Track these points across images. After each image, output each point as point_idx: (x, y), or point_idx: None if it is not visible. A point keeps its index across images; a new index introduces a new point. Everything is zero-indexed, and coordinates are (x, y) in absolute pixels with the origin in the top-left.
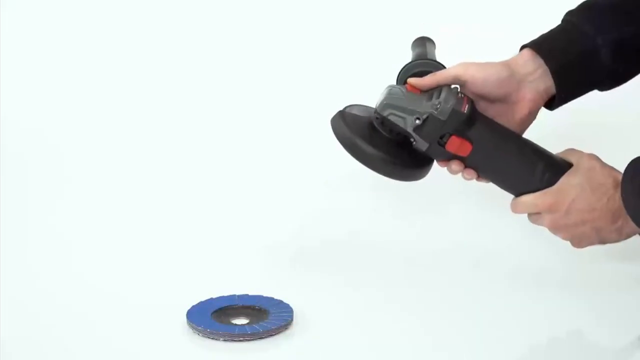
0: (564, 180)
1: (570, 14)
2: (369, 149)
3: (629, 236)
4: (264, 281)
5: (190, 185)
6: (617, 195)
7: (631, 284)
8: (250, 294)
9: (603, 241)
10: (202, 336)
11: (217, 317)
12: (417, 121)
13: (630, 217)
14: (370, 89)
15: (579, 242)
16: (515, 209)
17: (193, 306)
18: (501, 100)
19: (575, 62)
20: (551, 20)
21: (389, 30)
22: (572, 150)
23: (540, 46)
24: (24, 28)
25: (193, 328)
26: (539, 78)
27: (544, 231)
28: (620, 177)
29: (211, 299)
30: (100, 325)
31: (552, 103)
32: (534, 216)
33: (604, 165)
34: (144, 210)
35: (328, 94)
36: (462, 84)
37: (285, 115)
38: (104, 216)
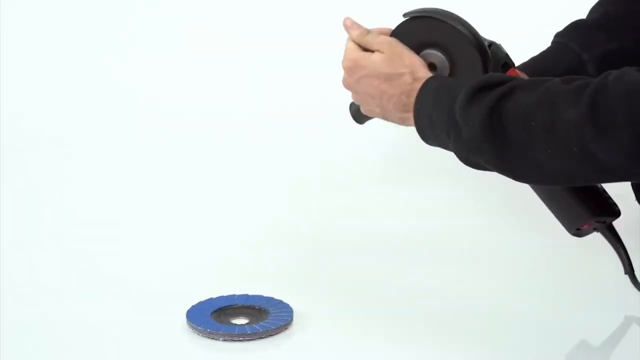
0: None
1: (558, 35)
2: None
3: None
4: (264, 281)
5: (190, 185)
6: (415, 92)
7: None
8: (250, 294)
9: (387, 119)
10: (202, 336)
11: (217, 317)
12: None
13: (417, 132)
14: None
15: (365, 111)
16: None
17: (193, 306)
18: None
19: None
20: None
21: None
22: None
23: (527, 66)
24: (23, 28)
25: (193, 328)
26: None
27: (544, 231)
28: (421, 74)
29: (211, 299)
30: (100, 324)
31: None
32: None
33: (412, 54)
34: (143, 210)
35: (327, 94)
36: None
37: (285, 115)
38: (103, 216)
